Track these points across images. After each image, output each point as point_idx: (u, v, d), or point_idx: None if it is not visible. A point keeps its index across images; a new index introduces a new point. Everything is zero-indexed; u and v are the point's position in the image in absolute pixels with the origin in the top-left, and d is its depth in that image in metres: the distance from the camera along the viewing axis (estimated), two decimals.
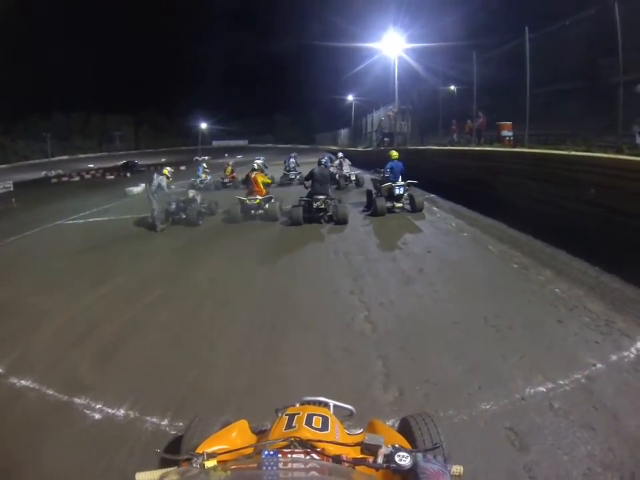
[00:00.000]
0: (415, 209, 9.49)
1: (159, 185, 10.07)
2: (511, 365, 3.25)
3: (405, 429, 1.84)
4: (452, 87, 14.71)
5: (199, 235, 9.42)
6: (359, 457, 1.20)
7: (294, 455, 1.20)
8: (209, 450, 1.27)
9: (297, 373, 3.42)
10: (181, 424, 2.83)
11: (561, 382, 2.96)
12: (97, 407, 3.20)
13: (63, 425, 3.05)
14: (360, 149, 28.75)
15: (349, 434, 1.62)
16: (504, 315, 4.11)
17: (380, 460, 1.12)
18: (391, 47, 20.45)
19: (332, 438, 1.36)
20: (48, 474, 2.57)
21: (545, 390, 2.90)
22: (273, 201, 10.38)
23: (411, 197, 9.66)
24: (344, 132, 42.16)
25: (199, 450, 1.31)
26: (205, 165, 19.12)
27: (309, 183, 9.63)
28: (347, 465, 1.17)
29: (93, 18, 77.40)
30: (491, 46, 11.87)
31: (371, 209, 9.98)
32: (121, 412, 3.11)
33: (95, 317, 5.01)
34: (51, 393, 3.47)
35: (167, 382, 3.47)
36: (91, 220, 12.98)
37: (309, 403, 1.83)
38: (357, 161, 21.83)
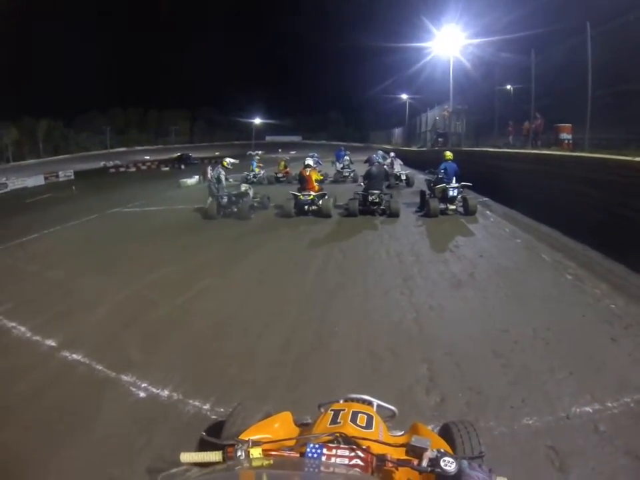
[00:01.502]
0: (468, 212, 9.34)
1: (218, 178, 10.41)
2: (558, 380, 3.12)
3: (446, 435, 1.81)
4: (508, 87, 14.12)
5: (251, 227, 9.58)
6: (403, 458, 1.19)
7: (339, 451, 1.21)
8: (254, 438, 1.31)
9: (342, 370, 3.44)
10: (222, 410, 2.92)
11: (609, 404, 2.81)
12: (143, 385, 3.35)
13: (108, 400, 3.22)
14: (414, 148, 28.43)
15: (391, 435, 1.61)
16: (555, 328, 3.94)
17: (425, 463, 1.11)
18: (447, 45, 20.04)
19: (376, 437, 1.36)
20: (89, 444, 2.72)
21: (591, 411, 2.76)
22: (326, 197, 10.44)
23: (464, 200, 9.50)
24: (397, 131, 41.87)
25: (243, 437, 1.35)
26: (258, 158, 19.46)
27: (365, 180, 10.17)
28: (390, 465, 1.17)
29: (153, 16, 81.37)
30: (550, 43, 11.31)
31: (423, 209, 9.93)
32: (165, 392, 3.24)
33: (144, 302, 5.25)
34: (100, 368, 3.66)
35: (210, 369, 3.58)
36: (146, 209, 13.58)
37: (352, 400, 1.83)
38: (411, 160, 21.52)
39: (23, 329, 4.60)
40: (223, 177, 10.49)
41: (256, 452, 1.21)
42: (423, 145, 27.21)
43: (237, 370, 3.54)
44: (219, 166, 10.87)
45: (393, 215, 9.65)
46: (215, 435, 1.60)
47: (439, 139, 21.97)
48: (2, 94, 45.39)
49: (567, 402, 2.85)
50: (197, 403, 3.08)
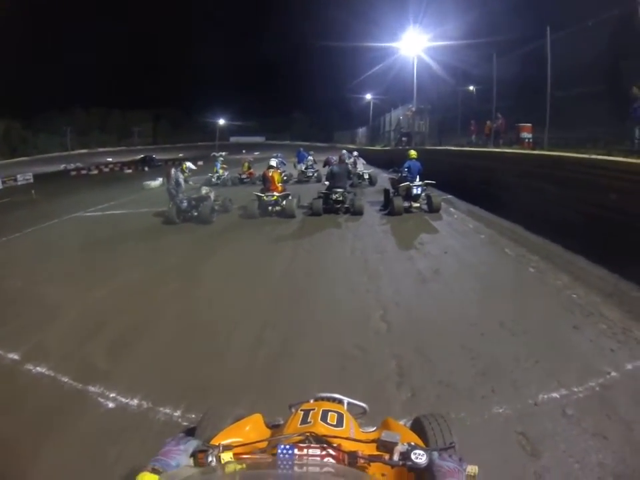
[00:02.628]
0: (432, 209, 9.49)
1: (177, 181, 10.19)
2: (525, 369, 3.23)
3: (418, 429, 1.84)
4: (471, 87, 14.52)
5: (214, 230, 9.43)
6: (374, 453, 1.20)
7: (310, 450, 1.21)
8: (224, 442, 1.28)
9: (312, 371, 3.42)
10: (193, 416, 2.86)
11: (575, 389, 2.93)
12: (111, 395, 3.25)
13: (76, 413, 3.09)
14: (378, 147, 28.70)
15: (362, 431, 1.62)
16: (520, 319, 4.07)
17: (396, 457, 1.12)
18: (411, 46, 20.36)
19: (347, 434, 1.36)
20: (59, 461, 2.60)
21: (558, 396, 2.87)
22: (290, 197, 10.40)
23: (428, 197, 9.65)
24: (362, 130, 42.04)
25: (214, 442, 1.32)
26: (222, 160, 19.17)
27: (328, 179, 10.25)
28: (362, 461, 1.17)
29: (113, 15, 78.98)
30: (512, 46, 11.71)
31: (387, 208, 10.01)
32: (134, 402, 3.15)
33: (110, 309, 5.08)
34: (66, 380, 3.52)
35: (180, 375, 3.50)
36: (108, 213, 13.13)
37: (323, 399, 1.83)
38: (375, 160, 21.66)
39: None
40: (182, 181, 10.26)
41: (227, 456, 1.19)
42: (387, 144, 27.47)
43: (206, 375, 3.48)
44: (179, 170, 10.64)
45: (357, 212, 9.81)
46: None
47: (403, 138, 22.29)
48: None
49: (534, 389, 2.95)
50: (167, 411, 3.00)
